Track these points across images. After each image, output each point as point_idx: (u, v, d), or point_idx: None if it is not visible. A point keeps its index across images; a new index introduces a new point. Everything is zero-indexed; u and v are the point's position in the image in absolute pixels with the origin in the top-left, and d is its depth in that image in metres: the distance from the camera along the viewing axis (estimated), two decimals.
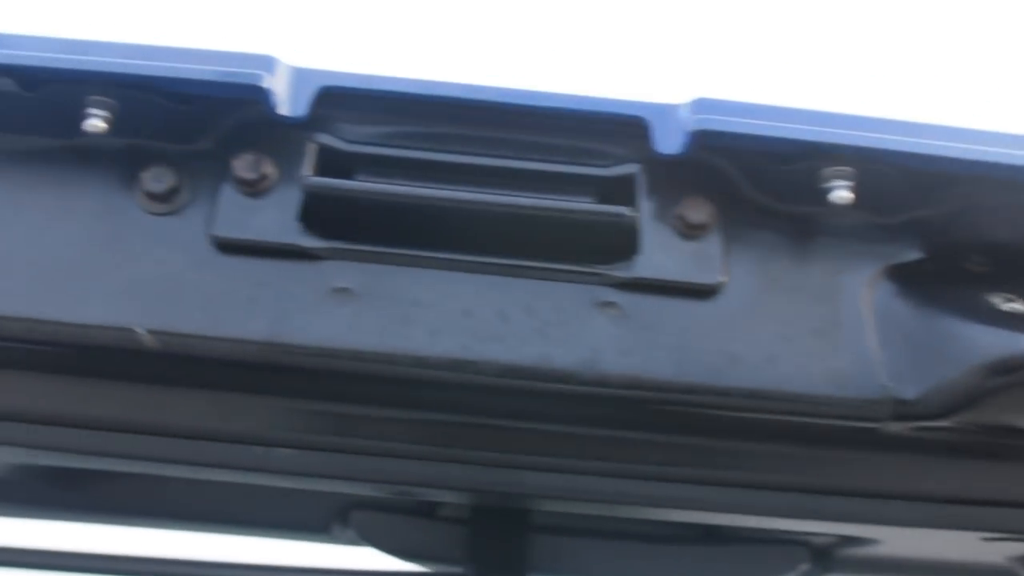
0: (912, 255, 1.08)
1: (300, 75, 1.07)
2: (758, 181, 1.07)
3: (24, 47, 1.04)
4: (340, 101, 1.07)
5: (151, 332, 1.02)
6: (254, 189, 1.06)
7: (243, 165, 1.05)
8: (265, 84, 1.02)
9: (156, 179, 1.06)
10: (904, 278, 1.07)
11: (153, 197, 1.06)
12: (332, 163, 1.07)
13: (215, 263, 1.04)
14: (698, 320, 1.04)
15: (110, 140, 1.06)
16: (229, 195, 1.06)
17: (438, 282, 1.04)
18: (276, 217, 1.05)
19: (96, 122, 1.03)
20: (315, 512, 1.58)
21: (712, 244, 1.06)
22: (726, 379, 1.02)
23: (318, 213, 1.05)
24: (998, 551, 1.31)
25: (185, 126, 1.07)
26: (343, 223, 1.05)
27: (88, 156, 1.08)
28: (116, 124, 1.04)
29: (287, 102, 1.05)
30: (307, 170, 1.06)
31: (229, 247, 1.04)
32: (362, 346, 1.01)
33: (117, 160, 1.08)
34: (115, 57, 1.04)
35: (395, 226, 1.06)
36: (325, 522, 1.58)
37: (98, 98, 1.04)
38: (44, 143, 1.08)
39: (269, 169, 1.06)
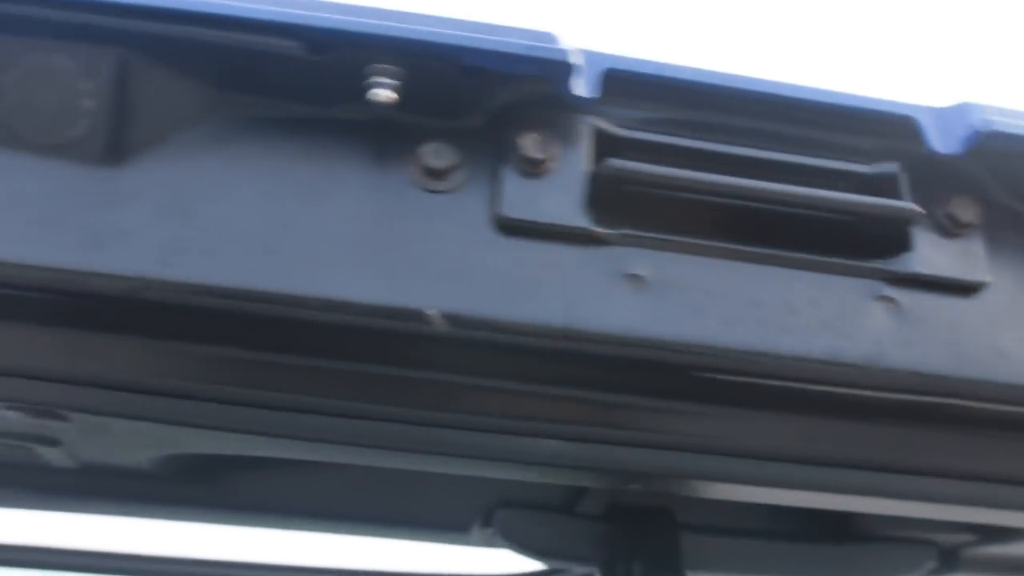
0: None
1: (585, 56, 1.04)
2: (1015, 184, 1.11)
3: (308, 8, 0.98)
4: (619, 84, 1.05)
5: (443, 315, 0.97)
6: (538, 169, 1.02)
7: (531, 144, 1.02)
8: (573, 61, 0.99)
9: (436, 155, 1.01)
10: None
11: (432, 173, 1.01)
12: (607, 147, 1.05)
13: (500, 244, 1.00)
14: (966, 316, 1.06)
15: (385, 111, 1.01)
16: (511, 174, 1.02)
17: (726, 272, 1.03)
18: (562, 199, 1.01)
19: (383, 91, 0.98)
20: (457, 512, 1.54)
21: (977, 243, 1.08)
22: (998, 374, 1.05)
23: (603, 197, 1.02)
24: None
25: (466, 101, 1.02)
26: (624, 208, 1.03)
27: (362, 127, 1.02)
28: (400, 95, 0.99)
29: (577, 82, 1.02)
30: (587, 152, 1.04)
31: (513, 228, 1.01)
32: (660, 335, 0.99)
33: (392, 132, 1.02)
34: (404, 24, 0.98)
35: (676, 213, 1.04)
36: (466, 522, 1.55)
37: (386, 66, 0.98)
38: (317, 112, 1.01)
39: (554, 149, 1.03)
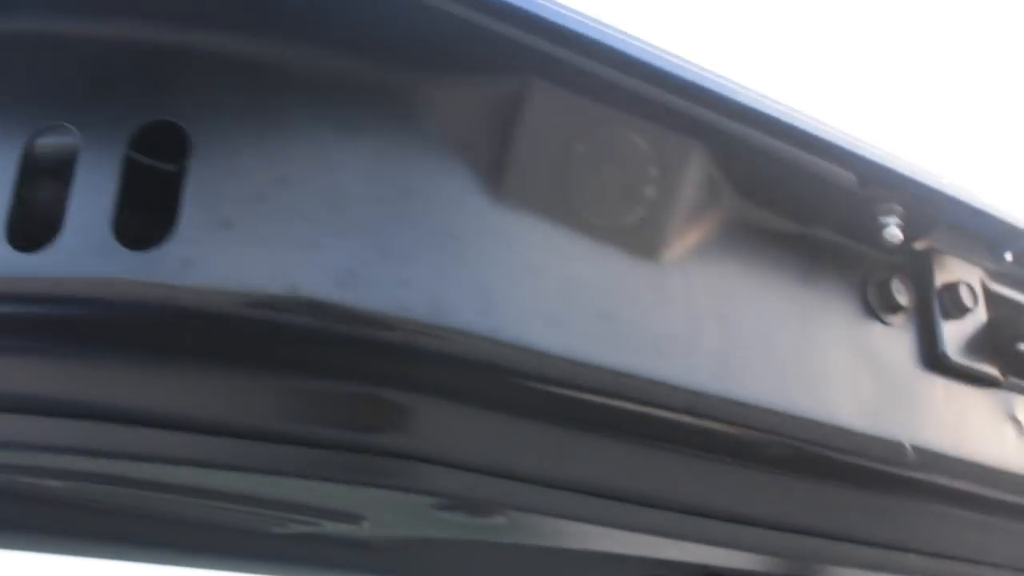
0: None
1: None
2: None
3: (866, 144, 0.99)
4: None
5: (913, 448, 1.04)
6: (962, 315, 1.12)
7: (966, 293, 1.11)
8: None
9: (899, 291, 1.07)
10: None
11: (892, 307, 1.07)
12: (995, 301, 1.17)
13: (934, 382, 1.09)
14: None
15: (844, 240, 1.05)
16: (938, 316, 1.10)
17: None
18: (980, 345, 1.12)
19: (897, 232, 1.02)
20: None
21: None
22: None
23: (998, 346, 1.14)
24: None
25: (915, 244, 1.09)
26: (1009, 357, 1.16)
27: (840, 254, 1.05)
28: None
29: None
30: (983, 303, 1.15)
31: (943, 367, 1.09)
32: None
33: (853, 262, 1.06)
34: (914, 172, 1.03)
35: None
36: None
37: (900, 208, 1.02)
38: (816, 233, 1.03)
39: (977, 299, 1.13)
